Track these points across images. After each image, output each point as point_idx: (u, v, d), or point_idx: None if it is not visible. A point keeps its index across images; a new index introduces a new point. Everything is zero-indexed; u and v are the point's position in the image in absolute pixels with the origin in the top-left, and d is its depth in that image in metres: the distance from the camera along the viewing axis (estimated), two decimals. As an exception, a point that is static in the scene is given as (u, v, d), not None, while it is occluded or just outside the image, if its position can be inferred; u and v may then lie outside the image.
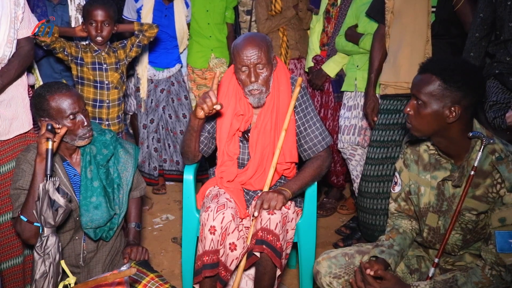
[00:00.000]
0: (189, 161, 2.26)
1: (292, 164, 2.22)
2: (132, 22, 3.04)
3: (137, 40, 2.81)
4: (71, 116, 1.82)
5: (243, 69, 2.06)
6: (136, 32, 2.82)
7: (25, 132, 2.19)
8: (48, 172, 1.65)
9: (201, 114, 1.99)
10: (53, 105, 1.80)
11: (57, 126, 1.77)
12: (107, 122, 2.75)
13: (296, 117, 2.19)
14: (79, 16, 2.81)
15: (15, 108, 2.13)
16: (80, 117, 1.84)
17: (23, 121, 2.17)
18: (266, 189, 2.14)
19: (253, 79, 2.05)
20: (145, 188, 2.19)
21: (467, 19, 2.28)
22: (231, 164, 2.20)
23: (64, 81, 2.82)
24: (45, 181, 1.61)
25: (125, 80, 2.86)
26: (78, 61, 2.67)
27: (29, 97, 2.41)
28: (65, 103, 1.81)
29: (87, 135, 1.88)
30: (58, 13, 2.80)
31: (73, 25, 2.79)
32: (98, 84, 2.71)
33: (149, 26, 2.83)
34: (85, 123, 1.86)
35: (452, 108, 1.55)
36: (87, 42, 2.74)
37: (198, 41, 3.60)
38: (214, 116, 2.15)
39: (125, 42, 2.81)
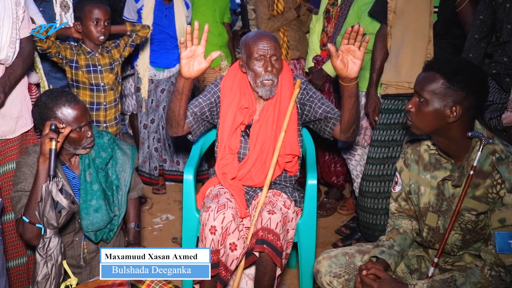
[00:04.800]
0: (172, 129, 2.17)
1: (294, 158, 2.23)
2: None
3: (130, 40, 2.81)
4: (77, 129, 1.82)
5: (259, 58, 2.11)
6: (129, 32, 2.82)
7: (27, 131, 2.20)
8: (51, 173, 1.64)
9: (185, 70, 1.91)
10: (60, 117, 1.80)
11: (61, 126, 1.76)
12: (104, 125, 2.73)
13: (305, 107, 2.21)
14: (63, 14, 2.79)
15: (20, 106, 2.13)
16: (85, 128, 1.85)
17: (26, 120, 2.17)
18: (266, 188, 2.14)
19: (269, 68, 2.11)
20: (143, 189, 2.19)
21: (468, 20, 2.29)
22: (232, 158, 2.21)
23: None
24: (48, 182, 1.60)
25: (120, 80, 2.84)
26: (73, 64, 2.63)
27: (33, 95, 2.41)
28: (72, 116, 1.81)
29: (90, 145, 1.89)
30: (46, 11, 2.76)
31: (58, 22, 2.77)
32: (94, 87, 2.67)
33: (142, 27, 2.85)
34: (89, 134, 1.86)
35: (454, 108, 1.56)
36: (78, 44, 2.70)
37: (208, 40, 3.66)
38: (204, 101, 2.20)
39: (118, 41, 2.79)
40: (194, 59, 1.91)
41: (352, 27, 1.87)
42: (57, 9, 2.79)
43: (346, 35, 1.88)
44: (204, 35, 1.89)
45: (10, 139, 2.12)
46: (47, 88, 2.73)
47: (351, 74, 1.92)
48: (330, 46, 1.90)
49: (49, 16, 2.77)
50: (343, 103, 2.04)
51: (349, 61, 1.90)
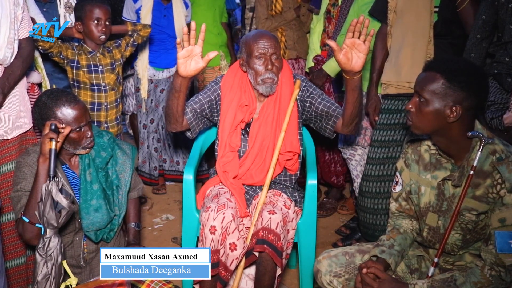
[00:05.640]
0: (171, 125, 2.18)
1: (295, 156, 2.23)
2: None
3: (132, 40, 2.81)
4: (77, 129, 1.82)
5: (259, 57, 2.12)
6: (130, 32, 2.82)
7: (25, 131, 2.19)
8: (51, 173, 1.63)
9: (181, 69, 1.93)
10: (60, 117, 1.79)
11: (61, 125, 1.75)
12: (105, 125, 2.72)
13: (305, 104, 2.21)
14: (67, 15, 2.79)
15: (18, 107, 2.13)
16: (85, 128, 1.84)
17: (24, 120, 2.17)
18: (266, 188, 2.14)
19: (269, 66, 2.12)
20: (143, 189, 2.19)
21: (469, 20, 2.28)
22: (233, 156, 2.21)
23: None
24: (48, 181, 1.60)
25: (121, 81, 2.84)
26: (75, 64, 2.62)
27: (35, 95, 2.40)
28: (72, 116, 1.80)
29: (90, 145, 1.89)
30: (49, 12, 2.76)
31: (61, 23, 2.77)
32: (95, 87, 2.66)
33: (143, 26, 2.85)
34: (89, 134, 1.86)
35: (454, 108, 1.56)
36: (79, 44, 2.69)
37: (207, 40, 3.68)
38: (205, 98, 2.21)
39: (119, 41, 2.79)
40: (191, 59, 1.92)
41: (358, 19, 1.86)
42: (61, 10, 2.79)
43: (351, 28, 1.87)
44: (201, 35, 1.90)
45: (8, 139, 2.11)
46: (49, 88, 2.73)
47: (355, 68, 1.92)
48: (329, 41, 1.89)
49: (53, 17, 2.77)
50: (346, 96, 2.04)
51: (354, 55, 1.90)
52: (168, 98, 2.10)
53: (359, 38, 1.88)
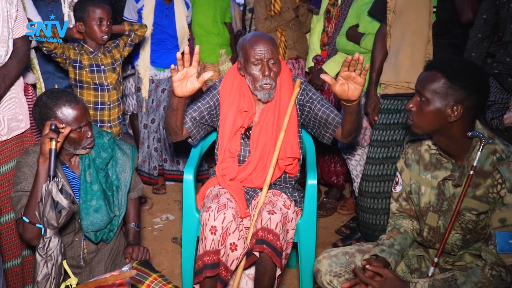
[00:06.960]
0: (171, 137, 2.20)
1: (295, 160, 2.23)
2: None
3: (129, 39, 2.81)
4: (77, 129, 1.82)
5: (256, 63, 2.10)
6: (127, 32, 2.82)
7: (22, 133, 2.17)
8: (51, 173, 1.62)
9: (178, 90, 1.93)
10: (60, 117, 1.79)
11: (61, 125, 1.74)
12: (108, 124, 2.72)
13: (305, 108, 2.21)
14: (72, 14, 2.78)
15: (14, 108, 2.10)
16: (85, 128, 1.84)
17: (20, 122, 2.14)
18: (265, 188, 2.14)
19: (267, 72, 2.10)
20: (143, 189, 2.18)
21: (464, 9, 2.27)
22: (232, 161, 2.21)
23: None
24: (48, 181, 1.59)
25: (121, 80, 2.84)
26: (77, 64, 2.61)
27: (29, 96, 2.39)
28: (72, 116, 1.80)
29: (90, 145, 1.88)
30: (54, 11, 2.76)
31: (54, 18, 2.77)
32: (99, 87, 2.67)
33: (140, 26, 2.86)
34: (89, 134, 1.86)
35: (455, 107, 1.56)
36: (79, 44, 2.68)
37: (208, 39, 3.74)
38: (203, 103, 2.20)
39: (117, 41, 2.79)
40: (186, 80, 1.91)
41: (353, 56, 1.84)
42: (65, 9, 2.79)
43: (346, 64, 1.86)
44: (196, 57, 1.88)
45: (2, 141, 2.08)
46: (43, 89, 2.72)
47: (352, 98, 1.92)
48: (324, 76, 1.87)
49: (57, 16, 2.76)
50: (344, 116, 2.05)
51: (350, 86, 1.89)
52: (166, 115, 2.10)
53: (354, 71, 1.87)
